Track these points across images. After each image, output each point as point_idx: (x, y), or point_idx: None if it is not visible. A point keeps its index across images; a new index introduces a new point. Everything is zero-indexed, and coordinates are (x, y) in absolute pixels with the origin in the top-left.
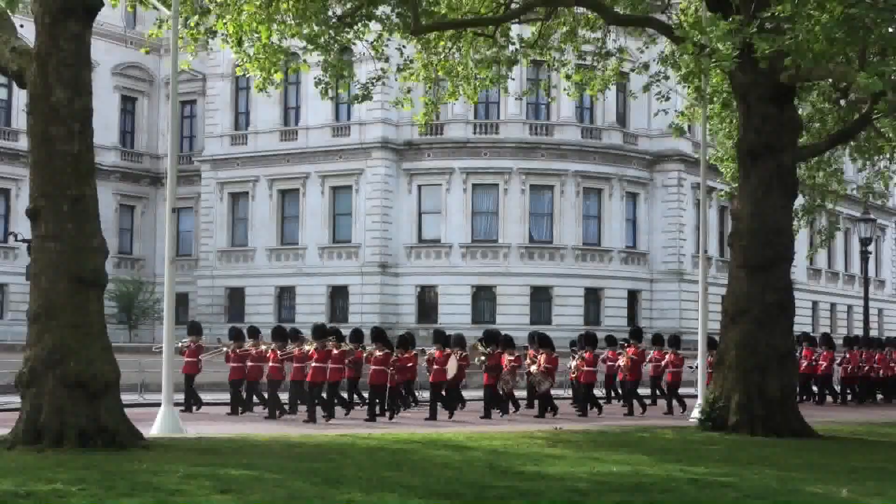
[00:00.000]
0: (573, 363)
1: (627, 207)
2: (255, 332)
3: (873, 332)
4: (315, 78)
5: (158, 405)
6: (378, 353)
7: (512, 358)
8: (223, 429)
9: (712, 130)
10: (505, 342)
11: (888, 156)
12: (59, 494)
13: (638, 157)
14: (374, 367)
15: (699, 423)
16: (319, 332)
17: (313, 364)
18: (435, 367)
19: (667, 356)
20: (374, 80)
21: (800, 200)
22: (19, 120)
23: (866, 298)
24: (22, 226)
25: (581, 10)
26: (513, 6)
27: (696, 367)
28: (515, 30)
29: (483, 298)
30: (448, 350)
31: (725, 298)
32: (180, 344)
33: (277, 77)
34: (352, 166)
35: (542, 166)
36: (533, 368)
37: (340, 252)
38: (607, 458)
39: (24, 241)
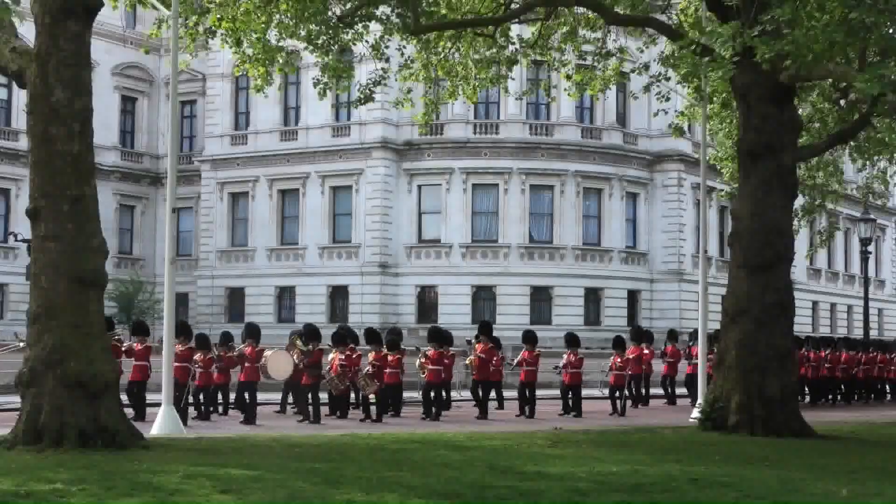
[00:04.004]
0: (418, 361)
1: (627, 207)
2: None
3: (873, 333)
4: (313, 79)
5: (158, 405)
6: (180, 348)
7: (343, 357)
8: (223, 429)
9: (712, 130)
10: (336, 339)
11: (888, 157)
12: (59, 494)
13: (638, 157)
14: (175, 363)
15: (699, 423)
16: (183, 328)
17: (134, 362)
18: (246, 364)
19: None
20: (374, 83)
21: (800, 200)
22: (19, 120)
23: (866, 298)
24: (22, 226)
25: (581, 10)
26: (513, 6)
27: (560, 368)
28: (515, 30)
29: (483, 298)
30: (263, 347)
31: (725, 298)
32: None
33: (277, 71)
34: (352, 166)
35: (542, 166)
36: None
37: (340, 252)
38: (607, 458)
39: (24, 241)
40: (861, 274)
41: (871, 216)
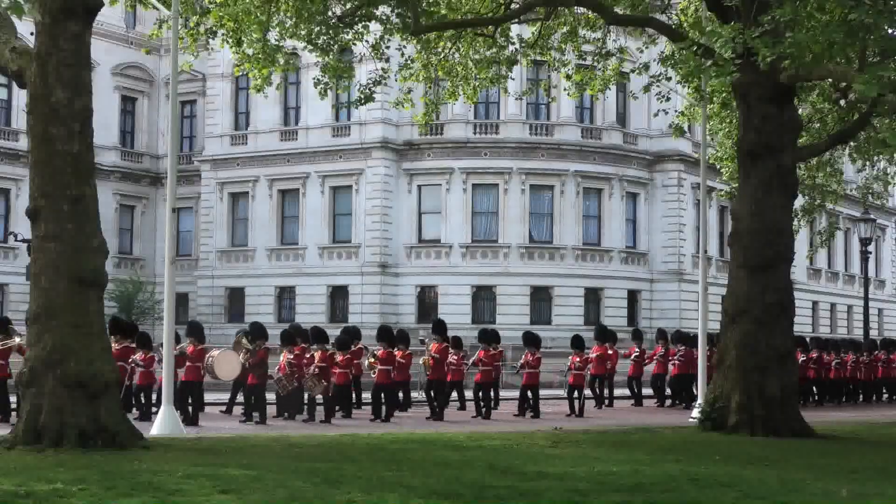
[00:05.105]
0: (367, 361)
1: (627, 207)
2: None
3: (873, 333)
4: (314, 78)
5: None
6: (116, 346)
7: (292, 357)
8: (223, 429)
9: (712, 130)
10: (284, 338)
11: (888, 157)
12: (59, 494)
13: (638, 157)
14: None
15: (699, 423)
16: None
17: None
18: (188, 364)
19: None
20: (374, 83)
21: (800, 200)
22: (19, 120)
23: (866, 298)
24: (22, 226)
25: (581, 10)
26: (513, 6)
27: (519, 368)
28: (515, 30)
29: (483, 298)
30: (201, 346)
31: (725, 298)
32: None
33: (277, 70)
34: (352, 166)
35: (542, 166)
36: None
37: (340, 252)
38: (607, 458)
39: (24, 241)
40: (861, 274)
41: (871, 216)
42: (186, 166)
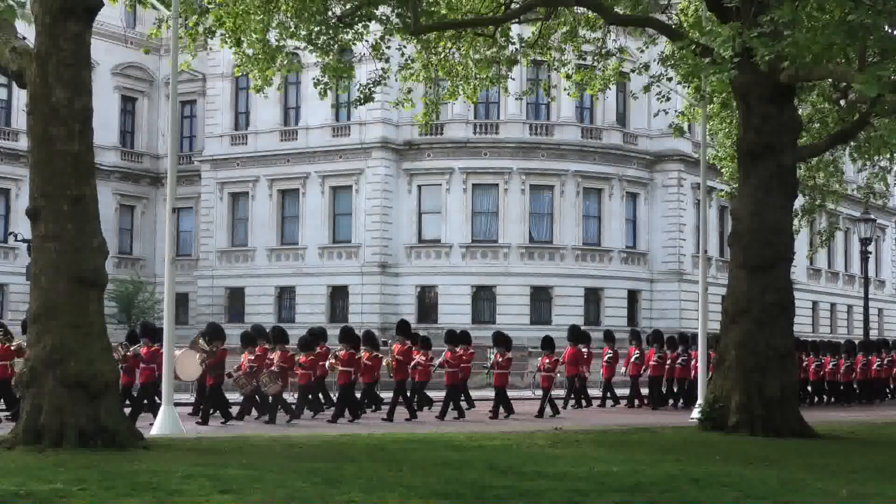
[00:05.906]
0: (328, 363)
1: (627, 207)
2: None
3: (873, 333)
4: (314, 79)
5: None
6: None
7: (252, 357)
8: (223, 429)
9: (712, 130)
10: (245, 339)
11: (888, 156)
12: (59, 494)
13: (638, 157)
14: None
15: (699, 423)
16: None
17: None
18: (142, 365)
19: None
20: (374, 83)
21: (800, 200)
22: (19, 120)
23: (866, 298)
24: (22, 226)
25: (581, 10)
26: (513, 6)
27: (489, 369)
28: (515, 30)
29: (483, 298)
30: (156, 347)
31: (725, 298)
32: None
33: (271, 74)
34: (352, 166)
35: (542, 166)
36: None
37: (340, 252)
38: (607, 458)
39: (24, 241)
40: (861, 274)
41: (871, 216)
42: (186, 166)
